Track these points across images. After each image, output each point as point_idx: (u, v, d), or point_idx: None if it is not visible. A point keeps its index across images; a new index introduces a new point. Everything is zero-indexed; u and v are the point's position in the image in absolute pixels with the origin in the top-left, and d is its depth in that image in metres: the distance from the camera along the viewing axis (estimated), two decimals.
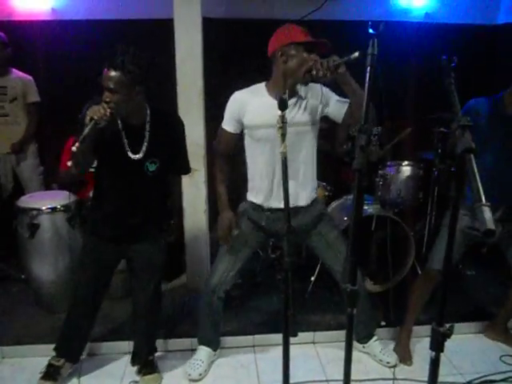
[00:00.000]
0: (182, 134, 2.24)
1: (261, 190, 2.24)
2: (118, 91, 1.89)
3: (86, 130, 1.79)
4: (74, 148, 1.78)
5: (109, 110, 1.85)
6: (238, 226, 2.30)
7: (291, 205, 2.20)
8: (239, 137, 2.24)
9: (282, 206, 2.11)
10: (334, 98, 2.14)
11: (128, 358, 2.46)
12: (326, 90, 2.13)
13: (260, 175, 2.23)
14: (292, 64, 2.02)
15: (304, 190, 2.25)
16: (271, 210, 2.24)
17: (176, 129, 2.22)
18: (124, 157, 2.04)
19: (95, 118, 1.81)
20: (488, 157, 2.17)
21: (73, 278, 2.46)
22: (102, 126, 1.84)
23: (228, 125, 2.22)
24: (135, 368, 2.40)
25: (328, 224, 2.37)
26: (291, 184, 2.18)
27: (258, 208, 2.27)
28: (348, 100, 2.07)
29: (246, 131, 2.20)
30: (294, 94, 2.12)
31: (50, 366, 2.28)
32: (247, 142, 2.24)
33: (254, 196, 2.28)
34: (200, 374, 2.38)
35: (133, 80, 1.91)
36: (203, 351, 2.47)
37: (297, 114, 2.13)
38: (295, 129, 2.10)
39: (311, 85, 2.11)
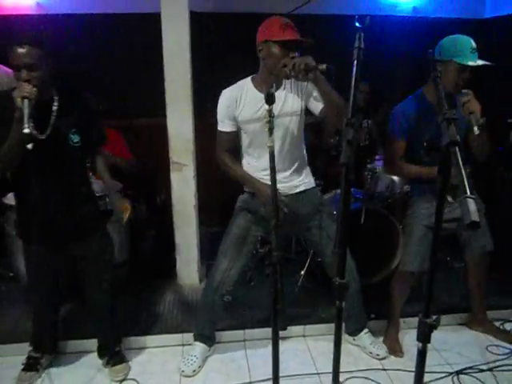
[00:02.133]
0: (92, 105, 2.16)
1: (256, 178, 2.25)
2: (38, 66, 1.82)
3: (26, 110, 1.71)
4: (26, 130, 1.68)
5: (34, 88, 1.76)
6: (233, 221, 2.31)
7: (289, 192, 2.25)
8: (237, 133, 2.25)
9: (280, 190, 2.17)
10: (314, 93, 2.16)
11: None
12: (307, 85, 2.16)
13: (255, 167, 2.25)
14: (269, 61, 2.06)
15: (299, 176, 2.30)
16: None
17: (85, 101, 2.12)
18: (45, 139, 1.91)
19: (27, 95, 1.73)
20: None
21: None
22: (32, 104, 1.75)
23: (224, 126, 2.22)
24: (103, 361, 2.41)
25: (329, 217, 2.37)
26: (287, 172, 2.25)
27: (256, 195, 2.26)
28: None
29: (241, 126, 2.22)
30: (279, 86, 2.15)
31: (29, 358, 2.32)
32: (242, 135, 2.26)
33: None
34: (194, 371, 2.38)
35: (46, 52, 1.86)
36: (198, 347, 2.47)
37: (284, 104, 2.15)
38: (284, 119, 2.14)
39: None
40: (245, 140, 2.25)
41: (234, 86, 2.20)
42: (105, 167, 2.29)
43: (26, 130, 1.69)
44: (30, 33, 1.88)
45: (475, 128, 1.86)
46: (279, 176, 2.17)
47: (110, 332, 2.42)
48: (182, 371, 2.37)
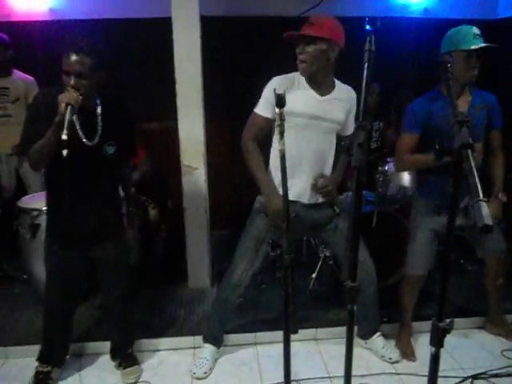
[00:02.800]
0: (132, 116, 2.21)
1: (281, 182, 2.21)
2: (87, 76, 1.85)
3: (68, 116, 1.73)
4: (64, 137, 1.70)
5: (80, 96, 1.79)
6: (252, 223, 2.30)
7: (315, 201, 2.24)
8: (272, 123, 2.16)
9: (304, 199, 2.20)
10: (351, 117, 2.23)
11: None
12: (355, 104, 2.21)
13: (274, 169, 2.21)
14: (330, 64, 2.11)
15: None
16: (295, 201, 2.21)
17: (126, 111, 2.18)
18: (80, 145, 1.95)
19: (72, 102, 1.75)
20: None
21: None
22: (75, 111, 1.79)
23: (264, 110, 2.15)
24: (115, 363, 2.43)
25: (345, 219, 2.35)
26: (312, 179, 2.22)
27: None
28: (350, 131, 2.26)
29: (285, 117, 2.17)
30: (329, 90, 2.16)
31: (38, 373, 2.28)
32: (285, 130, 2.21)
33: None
34: (205, 373, 2.38)
35: (100, 64, 1.89)
36: (208, 349, 2.47)
37: (329, 110, 2.14)
38: (323, 125, 2.14)
39: (348, 89, 2.21)
40: (273, 143, 2.23)
41: (286, 75, 2.16)
42: (129, 178, 2.43)
43: (64, 137, 1.71)
44: (86, 41, 1.91)
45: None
46: (308, 182, 2.19)
47: (123, 334, 2.43)
48: (194, 373, 2.37)
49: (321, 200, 2.26)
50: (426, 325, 2.50)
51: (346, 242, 2.29)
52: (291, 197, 2.14)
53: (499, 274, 2.53)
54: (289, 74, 2.17)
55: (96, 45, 1.92)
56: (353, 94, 2.22)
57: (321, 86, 2.13)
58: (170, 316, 2.85)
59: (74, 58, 1.83)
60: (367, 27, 1.29)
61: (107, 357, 2.47)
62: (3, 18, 3.55)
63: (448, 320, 1.29)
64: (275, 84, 2.11)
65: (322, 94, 2.14)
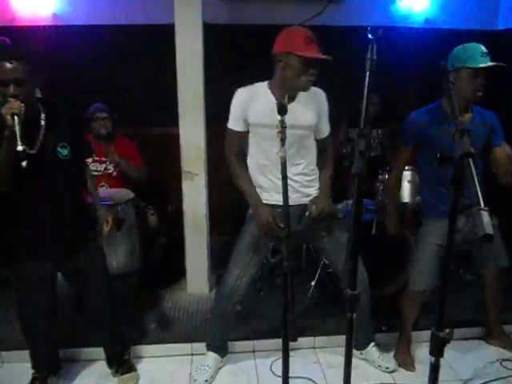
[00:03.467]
0: (78, 117, 2.17)
1: (265, 188, 2.23)
2: (25, 81, 1.79)
3: (17, 127, 1.69)
4: (20, 148, 1.67)
5: (22, 104, 1.74)
6: (246, 228, 2.30)
7: (301, 202, 2.24)
8: (247, 134, 2.21)
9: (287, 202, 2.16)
10: (324, 118, 2.22)
11: None
12: (325, 105, 2.21)
13: (263, 172, 2.21)
14: (289, 73, 2.05)
15: (312, 187, 2.28)
16: (279, 206, 2.19)
17: (70, 112, 2.09)
18: (30, 154, 1.85)
19: (16, 112, 1.71)
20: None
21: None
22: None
23: (235, 124, 2.18)
24: (112, 370, 2.41)
25: (341, 226, 2.36)
26: (299, 183, 2.23)
27: (268, 205, 2.22)
28: (327, 133, 2.28)
29: (250, 128, 2.19)
30: (294, 97, 2.13)
31: (34, 379, 2.26)
32: (250, 139, 2.22)
33: (260, 193, 2.24)
34: (206, 381, 2.36)
35: (34, 68, 1.84)
36: (211, 357, 2.45)
37: (297, 117, 2.11)
38: (297, 132, 2.12)
39: (316, 90, 2.17)
40: (252, 144, 2.23)
41: (250, 86, 2.17)
42: (92, 180, 2.38)
43: (20, 148, 1.67)
44: (16, 47, 1.87)
45: None
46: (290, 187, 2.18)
47: (114, 342, 2.39)
48: (195, 380, 2.36)
49: (303, 200, 2.26)
50: (425, 334, 2.50)
51: (341, 248, 2.28)
52: (276, 202, 2.19)
53: (500, 286, 2.52)
54: (252, 85, 2.17)
55: (24, 49, 1.88)
56: (320, 94, 2.18)
57: (289, 96, 2.07)
58: (168, 322, 2.84)
59: (8, 65, 1.76)
60: (369, 36, 1.30)
61: (103, 362, 2.45)
62: (7, 23, 3.56)
63: (448, 330, 1.29)
64: (238, 97, 2.16)
65: (288, 103, 2.11)
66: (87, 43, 3.61)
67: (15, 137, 1.69)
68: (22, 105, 1.75)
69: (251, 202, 2.22)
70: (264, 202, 2.21)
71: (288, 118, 2.02)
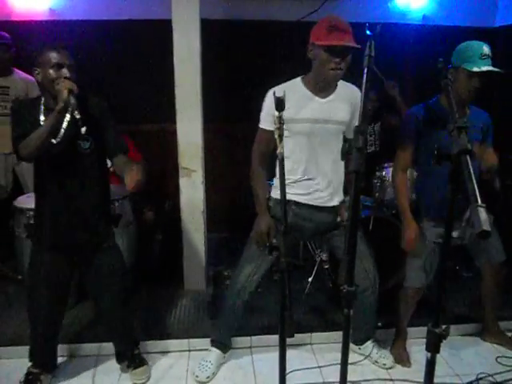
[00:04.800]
0: (106, 110, 2.15)
1: (291, 185, 2.18)
2: (74, 70, 1.94)
3: (72, 100, 1.81)
4: (78, 115, 1.80)
5: (75, 85, 1.87)
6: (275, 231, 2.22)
7: (325, 204, 2.22)
8: None
9: (311, 202, 2.18)
10: (355, 119, 2.17)
11: None
12: (359, 103, 2.14)
13: (293, 170, 2.18)
14: (316, 64, 2.05)
15: (338, 190, 2.26)
16: (298, 203, 2.20)
17: (97, 105, 2.12)
18: (53, 145, 1.93)
19: (73, 88, 1.83)
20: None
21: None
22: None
23: (266, 123, 2.15)
24: (122, 365, 2.42)
25: None
26: (325, 183, 2.20)
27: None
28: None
29: (285, 126, 2.16)
30: (330, 91, 2.12)
31: (28, 373, 2.26)
32: (286, 139, 2.19)
33: (275, 190, 2.24)
34: (208, 377, 2.36)
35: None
36: (214, 353, 2.45)
37: (332, 112, 2.10)
38: (328, 127, 2.11)
39: (352, 87, 2.16)
40: (287, 142, 2.21)
41: (282, 85, 2.13)
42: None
43: (78, 116, 1.81)
44: (63, 40, 2.00)
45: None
46: (323, 184, 2.18)
47: (125, 337, 2.40)
48: (196, 376, 2.36)
49: (335, 202, 2.25)
50: (422, 331, 2.50)
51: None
52: (302, 199, 2.18)
53: (498, 284, 2.52)
54: (285, 83, 2.14)
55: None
56: (356, 92, 2.15)
57: (323, 88, 2.10)
58: (165, 318, 2.84)
59: (64, 52, 1.94)
60: (367, 32, 1.29)
61: (100, 358, 2.46)
62: (4, 18, 3.55)
63: (444, 326, 1.29)
64: (270, 96, 2.05)
65: (323, 97, 2.11)
66: (84, 38, 3.59)
67: (73, 110, 1.81)
68: (75, 85, 1.87)
69: (257, 207, 2.23)
70: (305, 201, 2.21)
71: (323, 112, 2.06)
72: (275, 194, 2.26)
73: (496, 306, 2.62)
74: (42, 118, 1.96)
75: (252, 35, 3.69)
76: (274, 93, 1.54)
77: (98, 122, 2.07)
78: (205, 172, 3.05)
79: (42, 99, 2.01)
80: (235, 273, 2.37)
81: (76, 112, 1.81)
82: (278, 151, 1.52)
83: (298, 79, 2.16)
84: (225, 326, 2.47)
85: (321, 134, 2.11)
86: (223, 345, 2.48)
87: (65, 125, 1.92)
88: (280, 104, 1.53)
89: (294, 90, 2.10)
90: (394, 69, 3.65)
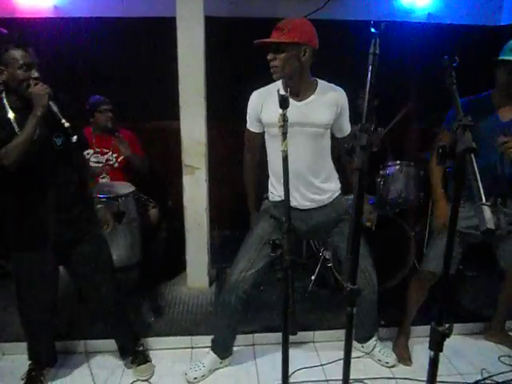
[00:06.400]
0: (69, 106, 2.10)
1: (278, 188, 2.24)
2: (36, 66, 1.88)
3: (54, 106, 1.81)
4: (67, 123, 1.81)
5: (45, 85, 1.85)
6: (257, 223, 2.33)
7: (314, 205, 2.24)
8: (263, 135, 2.25)
9: (299, 206, 2.21)
10: (345, 116, 2.20)
11: None
12: (345, 104, 2.19)
13: (278, 172, 2.20)
14: (306, 65, 2.07)
15: (327, 187, 2.27)
16: (291, 207, 2.19)
17: (62, 102, 2.01)
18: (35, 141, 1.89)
19: (50, 92, 1.82)
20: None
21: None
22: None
23: (251, 125, 2.24)
24: (125, 361, 2.43)
25: (348, 222, 2.36)
26: (313, 182, 2.22)
27: (279, 204, 2.23)
28: (348, 131, 2.24)
29: (264, 129, 2.21)
30: (312, 92, 2.13)
31: (31, 370, 2.27)
32: (266, 139, 2.24)
33: (272, 193, 2.28)
34: (195, 378, 2.35)
35: None
36: (210, 357, 2.43)
37: (313, 113, 2.11)
38: (309, 129, 2.12)
39: (335, 88, 2.16)
40: (268, 144, 2.24)
41: (265, 87, 2.18)
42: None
43: (67, 124, 1.81)
44: (21, 35, 1.91)
45: None
46: (301, 189, 2.20)
47: (123, 333, 2.41)
48: (185, 374, 2.37)
49: (315, 205, 2.26)
50: (425, 330, 2.51)
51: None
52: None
53: None
54: (268, 86, 2.18)
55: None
56: (339, 92, 2.16)
57: (298, 91, 2.10)
58: (168, 315, 2.85)
59: (30, 50, 1.86)
60: (372, 30, 1.29)
61: (101, 355, 2.48)
62: (7, 15, 3.55)
63: (447, 325, 1.29)
64: (252, 99, 2.20)
65: (299, 100, 2.10)
66: (88, 36, 3.59)
67: (58, 116, 1.81)
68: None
69: (249, 206, 2.38)
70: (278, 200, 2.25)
71: (299, 115, 2.06)
72: (271, 194, 2.29)
73: (510, 308, 2.60)
74: (11, 116, 1.89)
75: (256, 33, 3.67)
76: (279, 92, 1.54)
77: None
78: (208, 170, 3.06)
79: (4, 98, 1.92)
80: (231, 268, 2.35)
81: (64, 121, 1.79)
82: (281, 149, 1.52)
83: (280, 82, 2.16)
84: (222, 326, 2.41)
85: (297, 137, 2.08)
86: (222, 348, 2.44)
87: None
88: (284, 102, 1.52)
89: (273, 93, 2.09)
90: (398, 68, 3.64)
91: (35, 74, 1.86)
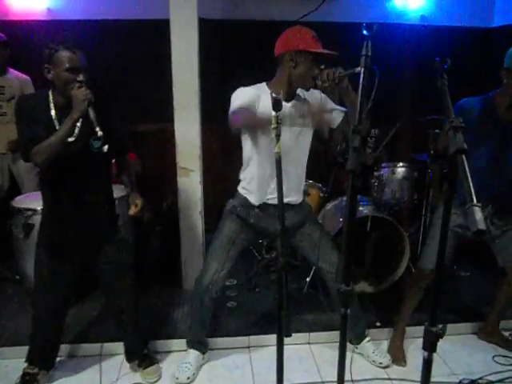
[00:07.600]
0: (113, 111, 2.15)
1: (255, 186, 2.22)
2: (85, 70, 1.91)
3: (92, 113, 1.81)
4: (100, 132, 1.80)
5: (88, 90, 1.85)
6: (223, 223, 2.31)
7: (292, 203, 2.23)
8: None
9: (273, 202, 2.16)
10: (330, 105, 2.21)
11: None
12: (324, 96, 2.19)
13: (256, 172, 2.20)
14: (300, 71, 2.04)
15: (297, 189, 2.28)
16: (261, 206, 2.22)
17: (106, 107, 2.07)
18: (68, 143, 1.90)
19: (91, 98, 1.82)
20: (479, 156, 2.18)
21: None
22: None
23: (242, 104, 2.02)
24: (132, 364, 2.42)
25: (313, 224, 2.39)
26: (285, 181, 2.20)
27: (246, 204, 2.24)
28: (343, 109, 2.18)
29: (248, 131, 2.18)
30: (294, 95, 2.15)
31: (25, 374, 2.25)
32: (246, 137, 2.21)
33: (247, 192, 2.25)
34: (188, 378, 2.35)
35: None
36: (192, 354, 2.45)
37: (296, 115, 2.13)
38: (293, 129, 2.13)
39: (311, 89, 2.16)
40: (247, 147, 2.22)
41: (252, 86, 2.12)
42: (128, 178, 2.33)
43: (100, 133, 1.81)
44: (74, 39, 1.96)
45: None
46: (272, 186, 2.18)
47: (137, 336, 2.41)
48: (177, 378, 2.35)
49: (292, 203, 2.26)
50: (419, 330, 2.52)
51: (315, 245, 2.29)
52: (255, 200, 2.21)
53: None
54: (254, 86, 2.13)
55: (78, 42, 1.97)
56: (315, 91, 2.16)
57: (289, 93, 2.11)
58: (163, 318, 2.84)
59: (79, 53, 1.90)
60: (364, 32, 1.30)
61: (99, 357, 2.46)
62: (1, 17, 3.55)
63: (440, 325, 1.30)
64: (247, 89, 2.07)
65: (287, 101, 2.11)
66: (81, 38, 3.57)
67: (93, 124, 1.81)
68: (89, 90, 1.86)
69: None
70: (249, 199, 2.24)
71: (289, 116, 2.06)
72: (243, 192, 2.26)
73: (507, 307, 2.61)
74: (53, 113, 1.93)
75: (250, 35, 3.69)
76: (272, 94, 1.54)
77: (108, 124, 2.02)
78: (203, 172, 3.06)
79: (50, 95, 1.95)
80: (202, 270, 2.37)
81: (98, 129, 1.80)
82: (275, 151, 1.52)
83: (263, 84, 2.15)
84: (197, 326, 2.45)
85: (286, 135, 2.06)
86: (200, 345, 2.47)
87: (79, 124, 1.93)
88: (277, 104, 1.53)
89: (262, 93, 2.08)
90: (391, 69, 3.66)
91: (81, 77, 1.88)
